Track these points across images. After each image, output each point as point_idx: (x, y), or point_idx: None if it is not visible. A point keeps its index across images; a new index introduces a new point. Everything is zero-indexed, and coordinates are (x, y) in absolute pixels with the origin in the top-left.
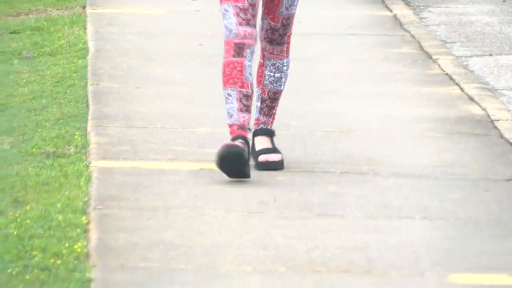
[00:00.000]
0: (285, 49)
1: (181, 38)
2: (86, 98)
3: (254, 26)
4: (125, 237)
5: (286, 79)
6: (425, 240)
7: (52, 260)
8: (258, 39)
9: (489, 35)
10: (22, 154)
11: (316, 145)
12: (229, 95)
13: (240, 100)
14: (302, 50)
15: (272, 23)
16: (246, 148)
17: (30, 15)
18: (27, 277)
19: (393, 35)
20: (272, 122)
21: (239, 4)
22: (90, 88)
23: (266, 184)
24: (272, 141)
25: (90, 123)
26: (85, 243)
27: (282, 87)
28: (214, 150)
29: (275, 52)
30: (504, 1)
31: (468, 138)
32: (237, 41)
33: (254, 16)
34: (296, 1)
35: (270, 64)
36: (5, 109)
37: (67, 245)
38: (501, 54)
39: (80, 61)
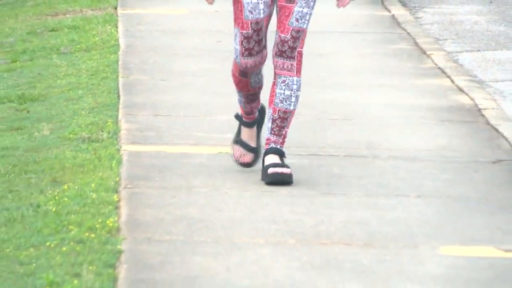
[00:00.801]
0: (295, 65)
1: (202, 35)
2: (117, 89)
3: (258, 52)
4: (152, 213)
5: (296, 100)
6: (419, 216)
7: (86, 234)
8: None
9: (477, 33)
10: (60, 139)
11: (323, 131)
12: (238, 94)
13: (247, 97)
14: (313, 46)
15: (282, 35)
16: (282, 160)
17: (67, 15)
18: (64, 249)
19: (391, 32)
20: (282, 143)
21: (244, 32)
22: (121, 80)
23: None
24: (281, 159)
25: (121, 112)
26: (116, 219)
27: (292, 107)
28: (232, 136)
29: (285, 67)
30: (490, 2)
31: (458, 125)
32: (241, 69)
33: (259, 41)
34: (308, 16)
35: (280, 81)
36: (45, 99)
37: (100, 220)
38: (488, 50)
39: (112, 56)
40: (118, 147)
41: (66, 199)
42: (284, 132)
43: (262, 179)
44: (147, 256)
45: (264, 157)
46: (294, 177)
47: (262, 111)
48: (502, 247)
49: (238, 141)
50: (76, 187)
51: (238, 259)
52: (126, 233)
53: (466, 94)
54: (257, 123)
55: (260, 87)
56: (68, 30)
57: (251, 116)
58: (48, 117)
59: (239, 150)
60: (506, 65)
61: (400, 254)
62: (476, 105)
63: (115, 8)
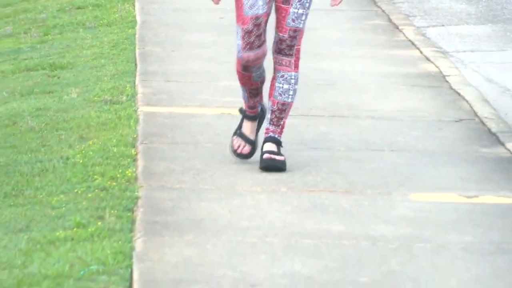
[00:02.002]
0: (293, 61)
1: (207, 13)
2: (134, 59)
3: (259, 45)
4: (164, 165)
5: (294, 93)
6: (392, 167)
7: (109, 182)
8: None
9: (441, 10)
10: (86, 101)
11: (310, 95)
12: (242, 89)
13: (250, 92)
14: None
15: (280, 34)
16: (278, 149)
17: None
18: (89, 195)
19: (368, 10)
20: (280, 132)
21: (244, 27)
22: (137, 51)
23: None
24: (278, 148)
25: (137, 78)
26: (134, 169)
27: (290, 99)
28: (232, 99)
29: (284, 63)
30: None
31: (425, 89)
32: (242, 63)
33: (259, 36)
34: (303, 16)
35: (279, 76)
36: (73, 67)
37: (120, 171)
38: (451, 25)
39: (130, 30)
40: (135, 108)
41: (91, 152)
42: (282, 123)
43: (259, 165)
44: (160, 202)
45: (262, 144)
46: (286, 135)
47: (263, 109)
48: (464, 193)
49: (238, 133)
50: (100, 143)
51: (238, 204)
52: (142, 182)
53: (433, 63)
54: (259, 118)
55: (262, 82)
56: (93, 8)
57: (254, 110)
58: (76, 83)
59: (238, 141)
60: (466, 38)
61: (376, 200)
62: (441, 72)
63: None
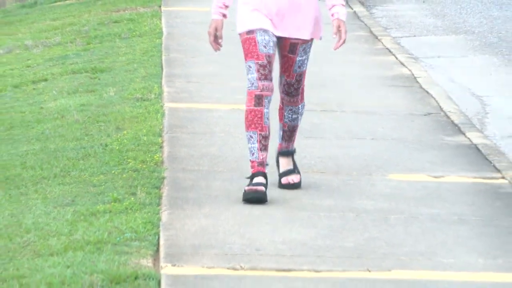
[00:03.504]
0: (299, 98)
1: None
2: (161, 64)
3: (271, 80)
4: (185, 151)
5: (301, 116)
6: (373, 153)
7: (140, 165)
8: (276, 89)
9: (413, 23)
10: (121, 98)
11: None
12: (251, 137)
13: (260, 142)
14: None
15: (288, 80)
16: (265, 182)
17: (126, 11)
18: (124, 175)
19: (353, 24)
20: (292, 145)
21: (260, 62)
22: (163, 57)
23: (273, 119)
24: (293, 160)
25: (163, 79)
26: (160, 154)
27: (298, 122)
28: (241, 97)
29: (292, 101)
30: (423, 2)
31: (399, 89)
32: (257, 93)
33: (270, 71)
34: (306, 61)
35: (288, 109)
36: (111, 70)
37: (149, 155)
38: (421, 36)
39: (157, 40)
40: (162, 104)
41: (125, 140)
42: (293, 139)
43: (278, 183)
44: (182, 181)
45: (278, 157)
46: None
47: (265, 177)
48: (431, 174)
49: (250, 185)
50: (133, 132)
51: (247, 183)
52: (167, 165)
53: (406, 67)
54: (266, 178)
55: (269, 128)
56: (127, 22)
57: (263, 167)
58: (113, 83)
59: (251, 187)
60: (434, 46)
61: (359, 180)
62: (413, 74)
63: (160, 6)
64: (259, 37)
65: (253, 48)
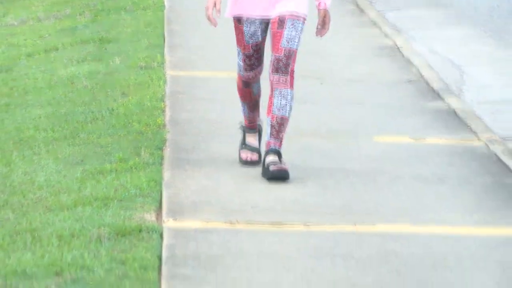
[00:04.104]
0: (289, 80)
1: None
2: (163, 35)
3: (258, 65)
4: (186, 115)
5: (290, 109)
6: (360, 118)
7: (144, 128)
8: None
9: None
10: (126, 67)
11: (300, 63)
12: (243, 105)
13: (249, 107)
14: None
15: (276, 54)
16: (258, 146)
17: None
18: (129, 137)
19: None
20: (280, 144)
21: (246, 52)
22: (166, 28)
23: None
24: (279, 159)
25: (165, 49)
26: (163, 118)
27: (287, 114)
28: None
29: (281, 81)
30: None
31: (384, 58)
32: (243, 79)
33: (258, 58)
34: (296, 39)
35: (277, 93)
36: (117, 40)
37: (152, 119)
38: (404, 9)
39: (160, 13)
40: (164, 72)
41: (130, 105)
42: (281, 136)
43: (263, 175)
44: (183, 143)
45: (265, 156)
46: None
47: (260, 125)
48: (413, 136)
49: (244, 146)
50: (137, 98)
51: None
52: (169, 128)
53: (390, 38)
54: (258, 129)
55: (259, 95)
56: None
57: (254, 124)
58: (119, 52)
59: (246, 153)
60: (415, 19)
61: (348, 143)
62: (396, 45)
63: None
64: (245, 28)
65: (240, 37)
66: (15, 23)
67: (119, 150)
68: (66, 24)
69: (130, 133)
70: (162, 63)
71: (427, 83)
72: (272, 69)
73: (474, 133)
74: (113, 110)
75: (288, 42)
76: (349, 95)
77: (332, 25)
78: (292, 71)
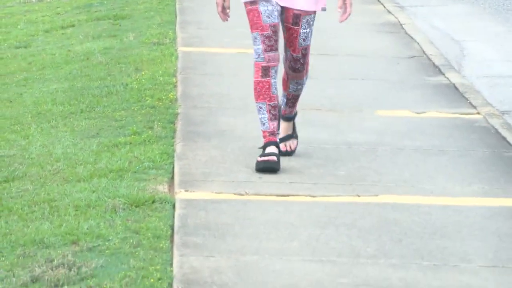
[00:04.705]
0: (304, 73)
1: None
2: (175, 12)
3: (277, 49)
4: (196, 90)
5: (305, 86)
6: (363, 92)
7: (157, 102)
8: (282, 60)
9: None
10: (140, 43)
11: None
12: (261, 107)
13: (270, 112)
14: None
15: (294, 54)
16: (277, 152)
17: None
18: (143, 111)
19: None
20: (294, 110)
21: (265, 33)
22: (177, 5)
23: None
24: (293, 125)
25: (177, 26)
26: (175, 93)
27: (301, 92)
28: (246, 42)
29: (298, 76)
30: None
31: (387, 35)
32: (264, 64)
33: (276, 41)
34: (310, 34)
35: (293, 82)
36: (131, 17)
37: (165, 94)
38: None
39: None
40: (176, 48)
41: (144, 80)
42: (295, 105)
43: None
44: (193, 117)
45: (280, 122)
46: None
47: (278, 146)
48: (414, 110)
49: (263, 155)
50: (150, 73)
51: (250, 119)
52: (181, 102)
53: (393, 15)
54: (278, 147)
55: (277, 97)
56: None
57: (274, 137)
58: (133, 29)
59: (263, 158)
60: None
61: (351, 116)
62: (399, 22)
63: None
64: (261, 8)
65: (257, 19)
66: (33, 1)
67: (133, 123)
68: (82, 1)
69: (143, 107)
70: (173, 40)
71: (429, 59)
72: (289, 66)
73: (474, 106)
74: (127, 85)
75: (304, 40)
76: (353, 70)
77: (336, 2)
78: (307, 64)
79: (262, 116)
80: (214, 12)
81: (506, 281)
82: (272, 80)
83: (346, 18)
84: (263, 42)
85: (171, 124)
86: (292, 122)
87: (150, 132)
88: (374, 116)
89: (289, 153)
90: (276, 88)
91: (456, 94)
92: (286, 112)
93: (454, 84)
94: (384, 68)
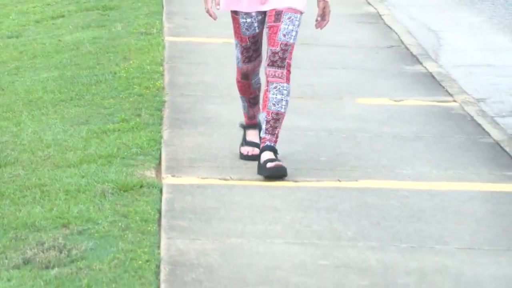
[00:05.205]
0: (285, 73)
1: None
2: (162, 2)
3: (256, 57)
4: (183, 79)
5: (286, 104)
6: (343, 81)
7: (144, 90)
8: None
9: None
10: (128, 33)
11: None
12: (242, 100)
13: (249, 101)
14: None
15: (273, 48)
16: (258, 141)
17: None
18: (131, 99)
19: None
20: (275, 141)
21: (243, 45)
22: None
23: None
24: (275, 155)
25: (164, 16)
26: (162, 82)
27: (283, 109)
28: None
29: (277, 75)
30: None
31: (367, 25)
32: (242, 72)
33: (256, 50)
34: (294, 32)
35: (272, 87)
36: (118, 8)
37: (152, 82)
38: None
39: None
40: (163, 38)
41: (131, 69)
42: (276, 132)
43: (259, 172)
44: (180, 105)
45: (260, 153)
46: None
47: (260, 121)
48: (393, 98)
49: (244, 143)
50: (138, 62)
51: (236, 107)
52: (168, 90)
53: (372, 6)
54: (259, 127)
55: (258, 89)
56: None
57: (254, 120)
58: (121, 19)
59: (246, 149)
60: None
61: (331, 103)
62: (378, 12)
63: None
64: (241, 20)
65: (237, 29)
66: None
67: (121, 111)
68: None
69: (131, 95)
70: (160, 30)
71: (407, 48)
72: (268, 63)
73: (450, 94)
74: (115, 73)
75: (284, 36)
76: (333, 59)
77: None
78: (289, 65)
79: (243, 104)
80: (199, 3)
81: (481, 263)
82: (252, 81)
83: (324, 26)
84: (242, 53)
85: (159, 111)
86: (274, 154)
87: (138, 119)
88: (354, 104)
89: (278, 171)
90: (256, 83)
91: (433, 82)
92: (266, 139)
93: (431, 73)
94: (363, 57)
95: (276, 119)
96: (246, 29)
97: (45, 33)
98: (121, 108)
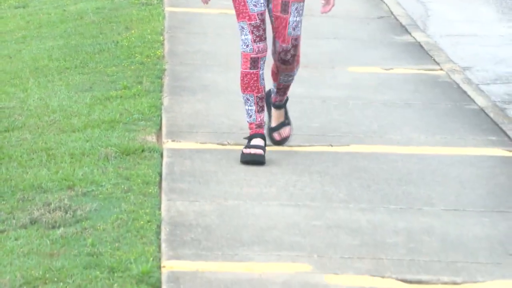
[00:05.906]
0: (295, 65)
1: None
2: None
3: (265, 39)
4: (182, 47)
5: (294, 77)
6: (335, 50)
7: (145, 59)
8: (272, 57)
9: None
10: (129, 3)
11: None
12: (248, 99)
13: (257, 103)
14: None
15: (284, 45)
16: (263, 145)
17: None
18: (132, 67)
19: None
20: (284, 98)
21: (253, 23)
22: None
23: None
24: (285, 111)
25: None
26: (162, 50)
27: (292, 82)
28: (229, 3)
29: (288, 69)
30: None
31: (377, 21)
32: (253, 55)
33: (264, 30)
34: (300, 23)
35: (284, 74)
36: None
37: (153, 51)
38: None
39: None
40: (163, 9)
41: (133, 38)
42: (286, 93)
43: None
44: (180, 73)
45: (270, 109)
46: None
47: (264, 138)
48: (383, 67)
49: (248, 146)
50: (139, 31)
51: (233, 76)
52: (168, 59)
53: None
54: (264, 139)
55: (264, 88)
56: None
57: (262, 129)
58: None
59: (249, 150)
60: None
61: (324, 72)
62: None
63: None
64: None
65: (243, 7)
66: None
67: (123, 78)
68: None
69: (133, 64)
70: (161, 0)
71: (396, 19)
72: (278, 59)
73: (437, 63)
74: (117, 42)
75: (294, 29)
76: (326, 30)
77: None
78: (298, 56)
79: (250, 108)
80: None
81: (466, 223)
82: (261, 72)
83: (329, 10)
84: (252, 32)
85: (159, 79)
86: (283, 109)
87: (139, 86)
88: (346, 72)
89: (281, 142)
90: (263, 79)
91: (421, 51)
92: (277, 99)
93: (419, 42)
94: (355, 28)
95: (286, 88)
96: (254, 4)
97: (51, 3)
98: (123, 76)
